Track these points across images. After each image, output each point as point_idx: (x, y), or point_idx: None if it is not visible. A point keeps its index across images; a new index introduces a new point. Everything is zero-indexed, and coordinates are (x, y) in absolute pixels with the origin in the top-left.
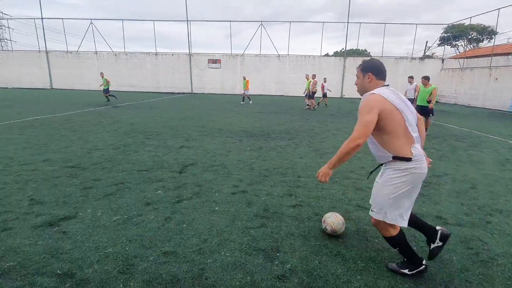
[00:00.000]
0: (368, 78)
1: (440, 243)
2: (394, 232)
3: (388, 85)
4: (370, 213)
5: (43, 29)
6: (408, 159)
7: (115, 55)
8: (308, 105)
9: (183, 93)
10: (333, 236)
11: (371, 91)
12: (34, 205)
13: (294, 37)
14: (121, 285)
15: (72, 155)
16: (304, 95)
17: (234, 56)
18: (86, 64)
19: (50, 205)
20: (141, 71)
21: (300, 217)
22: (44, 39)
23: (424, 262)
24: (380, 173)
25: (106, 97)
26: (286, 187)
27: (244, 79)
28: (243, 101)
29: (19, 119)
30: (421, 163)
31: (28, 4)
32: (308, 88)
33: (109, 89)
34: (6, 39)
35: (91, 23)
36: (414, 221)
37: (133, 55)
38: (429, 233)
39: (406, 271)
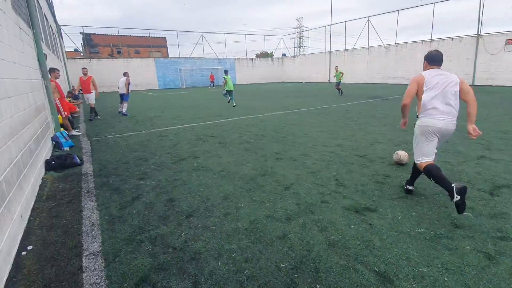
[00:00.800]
0: (424, 64)
1: (458, 197)
2: (424, 165)
3: (438, 68)
4: None
5: (330, 34)
6: (418, 116)
7: (385, 47)
8: None
9: None
10: None
11: (420, 73)
12: (339, 186)
13: None
14: None
15: (358, 144)
16: None
17: None
18: (358, 59)
19: (350, 190)
20: (410, 61)
21: None
22: (330, 41)
23: (452, 185)
24: None
25: (338, 90)
26: None
27: None
28: None
29: (314, 107)
30: (426, 119)
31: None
32: None
33: (340, 83)
34: (304, 45)
35: (368, 20)
36: (439, 176)
37: (403, 45)
38: (447, 189)
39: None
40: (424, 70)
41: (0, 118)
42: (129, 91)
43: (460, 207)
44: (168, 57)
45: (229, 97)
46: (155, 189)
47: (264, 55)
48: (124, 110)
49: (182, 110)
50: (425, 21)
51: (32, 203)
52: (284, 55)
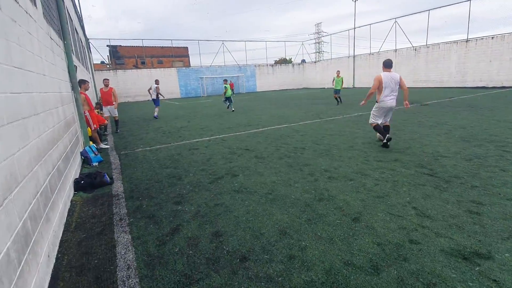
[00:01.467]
0: (382, 67)
1: (386, 140)
2: (374, 124)
3: (389, 70)
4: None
5: (354, 37)
6: (377, 101)
7: (415, 49)
8: None
9: (503, 87)
10: None
11: (380, 73)
12: (422, 218)
13: None
14: None
15: (419, 159)
16: None
17: None
18: None
19: (441, 224)
20: (443, 63)
21: None
22: (354, 45)
23: (387, 135)
24: None
25: (337, 98)
26: None
27: None
28: None
29: (348, 114)
30: (382, 103)
31: (340, 20)
32: None
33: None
34: (323, 51)
35: (395, 22)
36: (380, 129)
37: (435, 46)
38: (383, 136)
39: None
40: (382, 71)
41: (26, 140)
42: (159, 97)
43: (387, 143)
44: (189, 66)
45: (228, 103)
46: (196, 217)
47: (283, 61)
48: (155, 114)
49: (208, 119)
50: (460, 19)
51: (60, 235)
52: (303, 61)
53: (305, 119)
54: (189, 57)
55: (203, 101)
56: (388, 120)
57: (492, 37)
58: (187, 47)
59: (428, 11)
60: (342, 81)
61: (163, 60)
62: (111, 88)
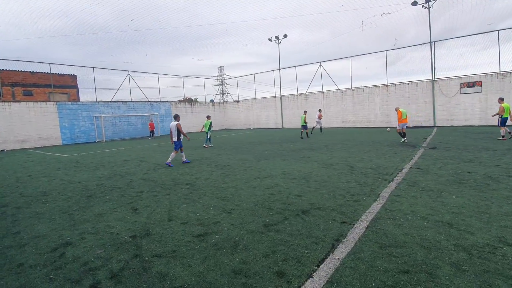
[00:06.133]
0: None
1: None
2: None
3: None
4: None
5: (280, 78)
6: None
7: (341, 92)
8: None
9: (423, 126)
10: None
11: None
12: None
13: None
14: None
15: None
16: None
17: (505, 75)
18: (312, 103)
19: None
20: (369, 105)
21: None
22: (280, 85)
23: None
24: None
25: (302, 132)
26: None
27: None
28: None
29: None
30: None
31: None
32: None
33: (307, 126)
34: (229, 93)
35: (320, 65)
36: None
37: (360, 89)
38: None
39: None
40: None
41: None
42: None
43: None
44: (78, 100)
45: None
46: None
47: (188, 101)
48: (184, 158)
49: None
50: (379, 67)
51: None
52: (212, 100)
53: (300, 170)
54: (77, 88)
55: (111, 150)
56: None
57: (408, 83)
58: (75, 75)
59: (350, 58)
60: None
61: (34, 90)
62: None
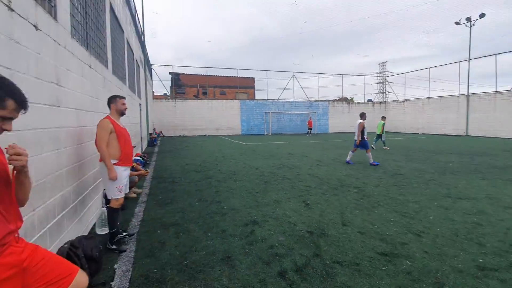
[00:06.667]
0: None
1: None
2: None
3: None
4: None
5: (468, 72)
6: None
7: None
8: None
9: None
10: None
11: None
12: None
13: None
14: None
15: None
16: None
17: None
18: None
19: None
20: None
21: None
22: (468, 82)
23: None
24: None
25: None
26: None
27: None
28: None
29: None
30: None
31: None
32: None
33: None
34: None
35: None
36: None
37: None
38: None
39: None
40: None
41: None
42: (364, 137)
43: None
44: (254, 98)
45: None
46: None
47: (344, 100)
48: (371, 161)
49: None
50: None
51: None
52: (370, 100)
53: None
54: (254, 88)
55: (278, 143)
56: None
57: None
58: (253, 78)
59: None
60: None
61: (226, 91)
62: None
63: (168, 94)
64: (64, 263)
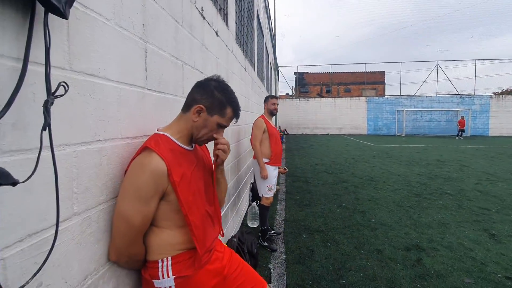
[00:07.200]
0: None
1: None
2: None
3: None
4: None
5: None
6: None
7: None
8: None
9: None
10: None
11: None
12: None
13: None
14: None
15: None
16: None
17: None
18: None
19: None
20: None
21: None
22: None
23: None
24: None
25: None
26: None
27: None
28: None
29: None
30: None
31: None
32: None
33: None
34: None
35: None
36: None
37: None
38: None
39: None
40: None
41: None
42: None
43: None
44: (384, 95)
45: None
46: None
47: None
48: None
49: None
50: None
51: None
52: None
53: None
54: (384, 84)
55: (425, 146)
56: None
57: None
58: (383, 72)
59: None
60: None
61: (351, 88)
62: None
63: (290, 94)
64: (254, 273)
